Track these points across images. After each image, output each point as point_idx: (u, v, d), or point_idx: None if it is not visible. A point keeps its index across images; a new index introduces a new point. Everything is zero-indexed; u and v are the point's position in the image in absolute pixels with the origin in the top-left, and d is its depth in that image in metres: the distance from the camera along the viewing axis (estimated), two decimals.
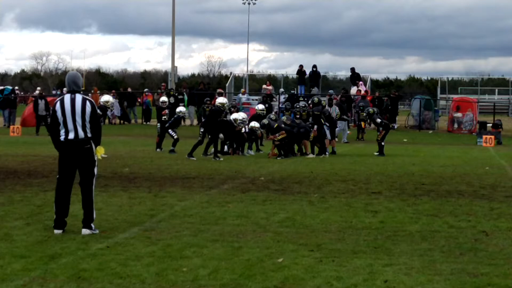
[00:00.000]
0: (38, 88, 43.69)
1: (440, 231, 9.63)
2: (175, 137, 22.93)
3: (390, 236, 9.26)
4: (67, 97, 9.27)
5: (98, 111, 21.45)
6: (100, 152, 9.43)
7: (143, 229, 9.52)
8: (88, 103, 9.27)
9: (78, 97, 9.25)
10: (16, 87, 49.98)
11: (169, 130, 23.14)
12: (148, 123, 41.60)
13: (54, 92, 50.19)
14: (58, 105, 9.26)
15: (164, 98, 25.05)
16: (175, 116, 23.60)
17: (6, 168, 17.27)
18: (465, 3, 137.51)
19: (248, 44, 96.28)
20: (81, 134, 9.21)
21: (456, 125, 38.34)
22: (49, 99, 36.31)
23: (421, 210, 11.43)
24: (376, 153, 23.31)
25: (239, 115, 22.71)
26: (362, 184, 14.89)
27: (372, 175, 16.61)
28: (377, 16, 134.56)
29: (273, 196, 12.79)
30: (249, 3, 76.79)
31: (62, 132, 9.24)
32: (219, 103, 21.43)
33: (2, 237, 8.83)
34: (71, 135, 9.20)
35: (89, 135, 9.27)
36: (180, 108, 23.89)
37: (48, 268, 7.32)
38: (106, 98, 22.49)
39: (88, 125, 9.24)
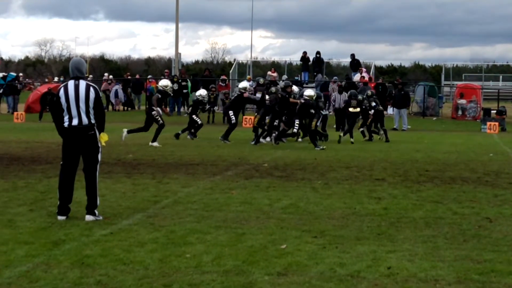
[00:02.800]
0: (49, 77, 43.50)
1: (444, 218, 9.62)
2: (199, 122, 23.09)
3: (393, 222, 9.26)
4: (71, 83, 9.25)
5: (158, 95, 21.35)
6: (104, 138, 9.43)
7: (147, 215, 9.53)
8: (92, 89, 9.25)
9: (82, 83, 9.23)
10: (21, 74, 49.89)
11: (193, 116, 23.23)
12: None
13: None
14: (62, 91, 9.25)
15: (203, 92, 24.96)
16: (194, 99, 23.87)
17: (10, 154, 17.29)
18: None
19: (252, 30, 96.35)
20: (85, 120, 9.20)
21: (460, 112, 38.28)
22: (52, 85, 36.31)
23: (425, 197, 11.42)
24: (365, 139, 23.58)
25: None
26: (366, 170, 14.88)
27: (375, 162, 16.60)
28: (385, 2, 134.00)
29: (277, 183, 12.79)
30: None
31: (66, 118, 9.23)
32: (242, 88, 22.39)
33: (5, 224, 8.85)
34: (75, 122, 9.19)
35: (93, 121, 9.26)
36: (200, 92, 23.89)
37: (52, 254, 7.33)
38: (165, 82, 21.91)
39: (92, 112, 9.22)
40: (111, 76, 44.92)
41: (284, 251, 7.59)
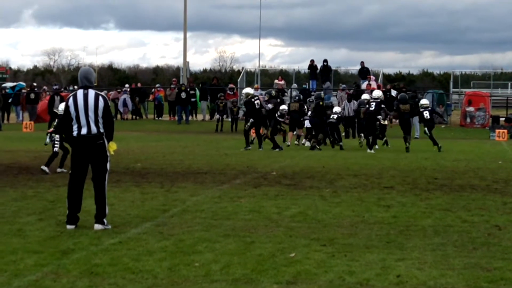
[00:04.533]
0: (56, 85, 43.56)
1: (453, 226, 9.60)
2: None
3: (402, 230, 9.24)
4: (80, 93, 9.29)
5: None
6: (113, 147, 9.45)
7: (155, 224, 9.54)
8: (101, 98, 9.28)
9: (91, 93, 9.27)
10: (35, 84, 49.80)
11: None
12: (160, 118, 41.68)
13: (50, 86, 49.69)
14: (71, 101, 9.29)
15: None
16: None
17: (19, 163, 17.34)
18: None
19: (260, 39, 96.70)
20: (93, 129, 9.23)
21: (468, 119, 38.20)
22: (63, 94, 36.40)
23: (434, 205, 11.40)
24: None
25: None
26: (375, 178, 14.85)
27: (384, 170, 16.57)
28: (397, 10, 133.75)
29: (285, 191, 12.78)
30: None
31: (75, 127, 9.26)
32: (247, 94, 22.81)
33: (15, 233, 8.87)
34: (84, 131, 9.22)
35: (101, 130, 9.28)
36: (247, 90, 24.20)
37: (61, 263, 7.34)
38: (249, 90, 23.21)
39: (100, 121, 9.26)
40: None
41: (293, 259, 7.58)
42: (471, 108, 38.23)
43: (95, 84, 9.76)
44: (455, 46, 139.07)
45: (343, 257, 7.68)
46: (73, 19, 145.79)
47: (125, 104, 40.67)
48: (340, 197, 12.10)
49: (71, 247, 8.12)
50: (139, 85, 45.50)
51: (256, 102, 22.35)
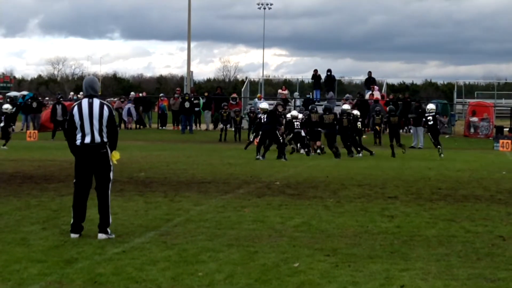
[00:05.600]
0: (59, 94, 43.77)
1: (457, 236, 9.58)
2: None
3: (406, 241, 9.22)
4: (84, 102, 9.31)
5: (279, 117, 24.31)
6: (115, 157, 9.45)
7: (159, 233, 9.54)
8: (105, 107, 9.30)
9: (96, 102, 9.29)
10: (47, 98, 49.89)
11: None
12: (164, 127, 41.71)
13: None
14: (75, 109, 9.30)
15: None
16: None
17: (23, 172, 17.36)
18: (491, 6, 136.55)
19: (263, 49, 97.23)
20: (97, 138, 9.24)
21: (472, 130, 38.18)
22: (66, 103, 36.49)
23: (438, 215, 11.38)
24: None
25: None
26: (378, 188, 14.84)
27: (388, 180, 16.56)
28: (402, 20, 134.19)
29: (289, 201, 12.77)
30: (264, 8, 76.99)
31: (79, 136, 9.27)
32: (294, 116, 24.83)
33: (18, 242, 8.87)
34: (88, 139, 9.23)
35: (105, 139, 9.29)
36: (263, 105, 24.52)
37: (65, 273, 7.34)
38: (265, 105, 23.74)
39: (105, 130, 9.27)
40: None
41: (297, 269, 7.57)
42: (475, 119, 38.22)
43: (99, 93, 9.78)
44: (460, 56, 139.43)
45: (347, 267, 7.67)
46: (78, 28, 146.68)
47: (129, 113, 40.73)
48: (344, 207, 12.09)
49: (75, 256, 8.12)
50: (144, 94, 45.55)
51: (259, 116, 22.81)
